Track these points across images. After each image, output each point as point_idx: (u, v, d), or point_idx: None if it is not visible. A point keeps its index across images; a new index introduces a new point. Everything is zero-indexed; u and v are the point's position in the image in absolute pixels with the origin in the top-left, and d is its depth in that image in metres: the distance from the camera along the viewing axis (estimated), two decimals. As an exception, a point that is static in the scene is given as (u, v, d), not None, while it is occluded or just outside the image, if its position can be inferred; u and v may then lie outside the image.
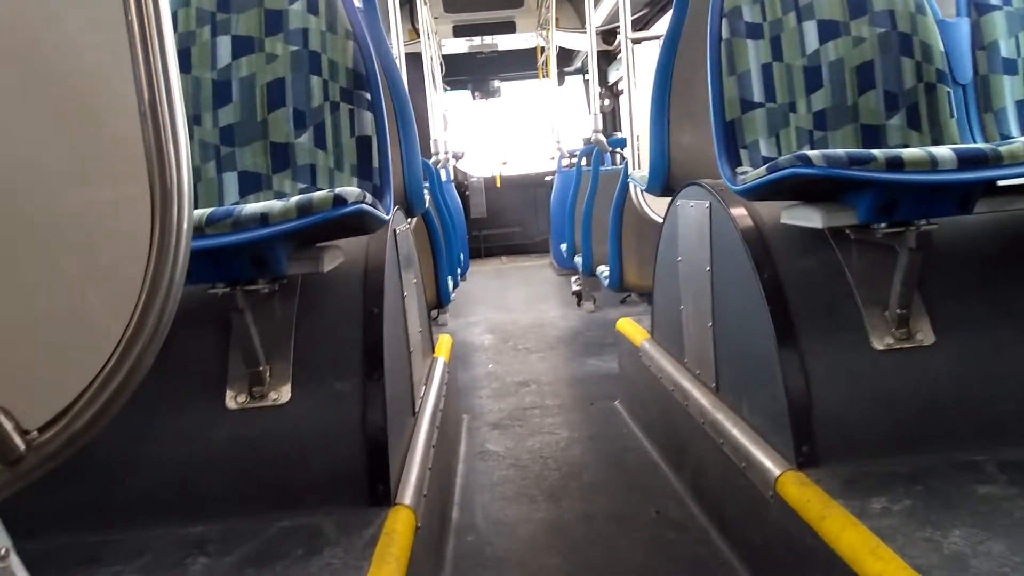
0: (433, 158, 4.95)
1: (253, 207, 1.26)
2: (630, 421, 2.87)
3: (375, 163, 1.75)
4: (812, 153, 1.33)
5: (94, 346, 0.63)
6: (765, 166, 1.46)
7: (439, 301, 3.79)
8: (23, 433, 0.62)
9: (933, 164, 1.29)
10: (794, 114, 1.80)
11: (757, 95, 1.80)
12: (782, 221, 1.66)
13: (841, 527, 1.24)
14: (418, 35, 6.27)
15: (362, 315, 1.61)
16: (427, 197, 2.85)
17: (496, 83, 9.72)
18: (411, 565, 1.30)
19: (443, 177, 5.48)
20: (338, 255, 1.58)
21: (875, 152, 1.31)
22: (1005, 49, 1.76)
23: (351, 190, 1.30)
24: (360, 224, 1.43)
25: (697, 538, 1.90)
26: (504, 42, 8.72)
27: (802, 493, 1.39)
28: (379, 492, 1.47)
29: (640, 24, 6.35)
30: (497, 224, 9.43)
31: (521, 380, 3.65)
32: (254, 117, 1.75)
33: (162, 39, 0.62)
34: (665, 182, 2.44)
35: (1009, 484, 1.33)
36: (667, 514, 2.05)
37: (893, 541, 1.17)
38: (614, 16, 4.48)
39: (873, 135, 1.79)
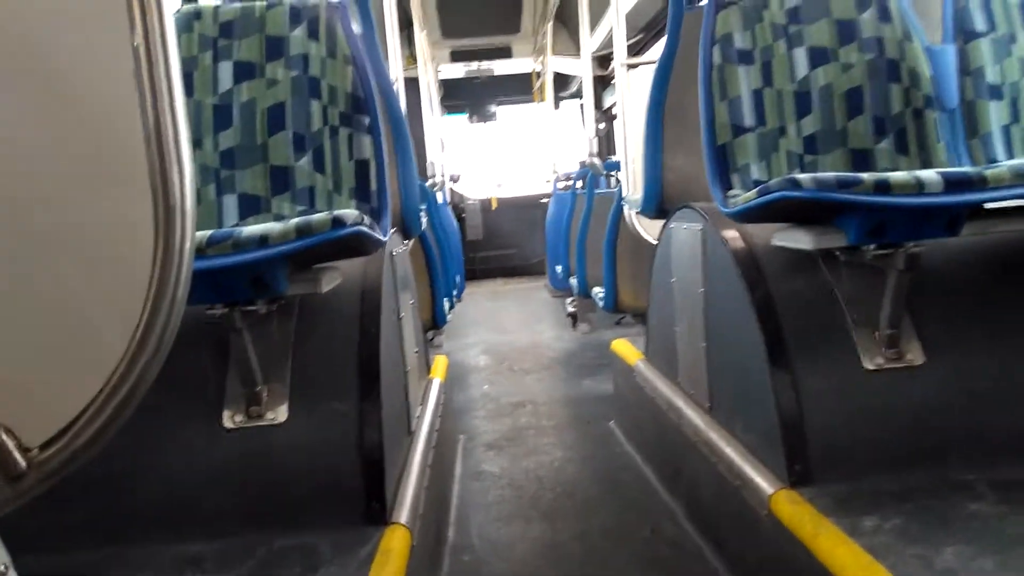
0: (430, 180, 4.98)
1: (253, 229, 1.28)
2: (624, 441, 2.87)
3: (373, 186, 1.77)
4: (802, 177, 1.35)
5: (96, 364, 0.64)
6: (756, 189, 1.48)
7: (435, 322, 3.80)
8: (24, 450, 0.62)
9: (920, 187, 1.32)
10: (784, 138, 1.83)
11: (748, 120, 1.83)
12: (773, 243, 1.68)
13: (834, 545, 1.25)
14: (416, 60, 6.34)
15: (359, 335, 1.62)
16: (424, 219, 2.88)
17: (493, 107, 9.80)
18: (407, 584, 1.30)
19: (440, 199, 5.51)
20: (336, 276, 1.60)
21: (863, 175, 1.33)
22: (991, 75, 1.80)
23: (349, 212, 1.32)
24: (358, 246, 1.45)
25: (692, 556, 1.90)
26: (501, 67, 8.81)
27: (795, 511, 1.40)
28: (375, 511, 1.47)
29: (634, 50, 6.42)
30: (493, 246, 9.45)
31: (516, 401, 3.65)
32: (254, 141, 1.77)
33: (168, 64, 0.63)
34: (658, 205, 2.47)
35: (999, 502, 1.34)
36: (662, 532, 2.05)
37: (885, 558, 1.18)
38: (609, 42, 4.55)
39: (862, 159, 1.82)
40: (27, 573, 0.66)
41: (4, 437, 0.61)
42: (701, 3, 2.38)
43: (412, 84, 5.76)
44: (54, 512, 1.41)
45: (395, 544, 1.38)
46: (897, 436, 1.53)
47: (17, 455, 0.62)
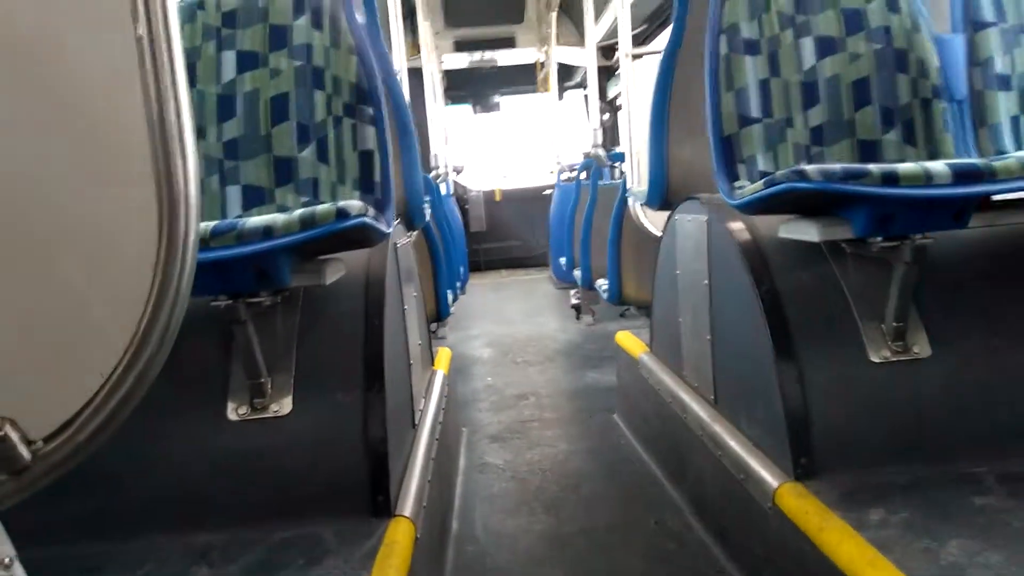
0: (433, 172, 4.97)
1: (256, 220, 1.27)
2: (628, 433, 2.87)
3: (377, 177, 1.76)
4: (809, 168, 1.34)
5: (100, 356, 0.63)
6: (762, 180, 1.47)
7: (439, 314, 3.80)
8: (28, 443, 0.62)
9: (928, 179, 1.31)
10: (791, 129, 1.82)
11: (755, 110, 1.81)
12: (779, 235, 1.67)
13: (839, 538, 1.25)
14: (419, 50, 6.32)
15: (363, 327, 1.62)
16: (427, 211, 2.87)
17: (496, 98, 9.77)
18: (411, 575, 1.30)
19: (443, 191, 5.50)
20: (340, 268, 1.59)
21: (871, 167, 1.32)
22: (1000, 65, 1.78)
23: (353, 204, 1.31)
24: (362, 237, 1.45)
25: (696, 549, 1.90)
26: (504, 57, 8.78)
27: (800, 504, 1.40)
28: (379, 503, 1.47)
29: (639, 40, 6.39)
30: (497, 238, 9.44)
31: (520, 393, 3.65)
32: (258, 131, 1.77)
33: (171, 53, 0.63)
34: (663, 196, 2.46)
35: (1007, 496, 1.34)
36: (666, 525, 2.05)
37: (891, 552, 1.18)
38: (613, 32, 4.53)
39: (869, 150, 1.80)
40: (31, 565, 0.66)
41: (8, 429, 0.61)
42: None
43: (415, 74, 5.75)
44: (58, 504, 1.42)
45: (399, 536, 1.38)
46: (904, 429, 1.53)
47: (22, 448, 0.62)
